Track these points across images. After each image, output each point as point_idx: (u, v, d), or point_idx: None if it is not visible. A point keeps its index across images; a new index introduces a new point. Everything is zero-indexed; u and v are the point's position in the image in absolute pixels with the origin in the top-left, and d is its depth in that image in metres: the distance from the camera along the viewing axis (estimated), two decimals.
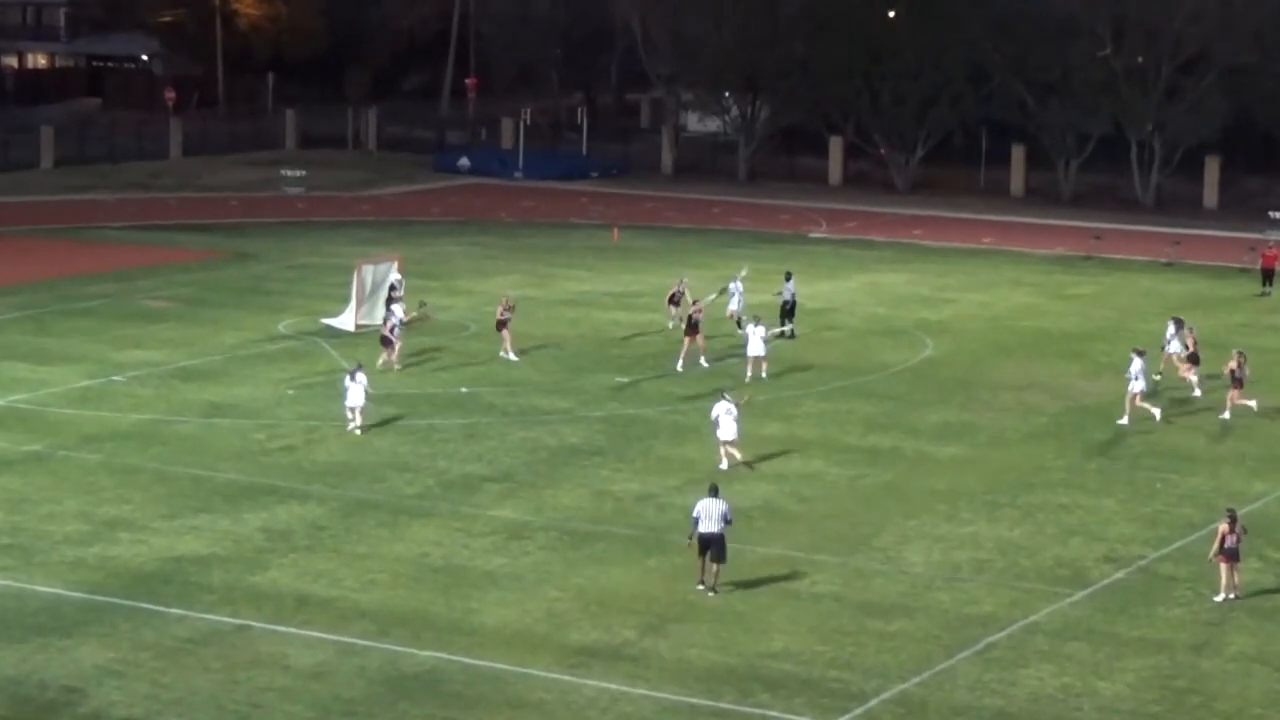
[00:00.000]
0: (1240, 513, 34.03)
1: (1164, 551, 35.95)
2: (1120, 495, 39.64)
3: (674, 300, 54.96)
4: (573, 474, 40.31)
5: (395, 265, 56.58)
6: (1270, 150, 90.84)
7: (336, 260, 65.11)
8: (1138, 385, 45.07)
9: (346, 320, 54.58)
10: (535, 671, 29.23)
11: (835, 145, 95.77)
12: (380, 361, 48.78)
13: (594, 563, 34.49)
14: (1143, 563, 35.30)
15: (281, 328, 54.99)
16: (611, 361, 51.49)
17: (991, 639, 31.11)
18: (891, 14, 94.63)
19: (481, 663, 29.54)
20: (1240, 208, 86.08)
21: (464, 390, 47.47)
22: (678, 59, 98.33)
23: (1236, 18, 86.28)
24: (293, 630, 30.67)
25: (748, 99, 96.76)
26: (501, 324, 51.34)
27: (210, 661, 29.34)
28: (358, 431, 42.77)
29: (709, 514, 32.46)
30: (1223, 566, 33.08)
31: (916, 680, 29.33)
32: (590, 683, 28.88)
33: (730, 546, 32.77)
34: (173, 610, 31.46)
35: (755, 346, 48.73)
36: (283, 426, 43.57)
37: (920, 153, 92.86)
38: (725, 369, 49.83)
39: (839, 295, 62.99)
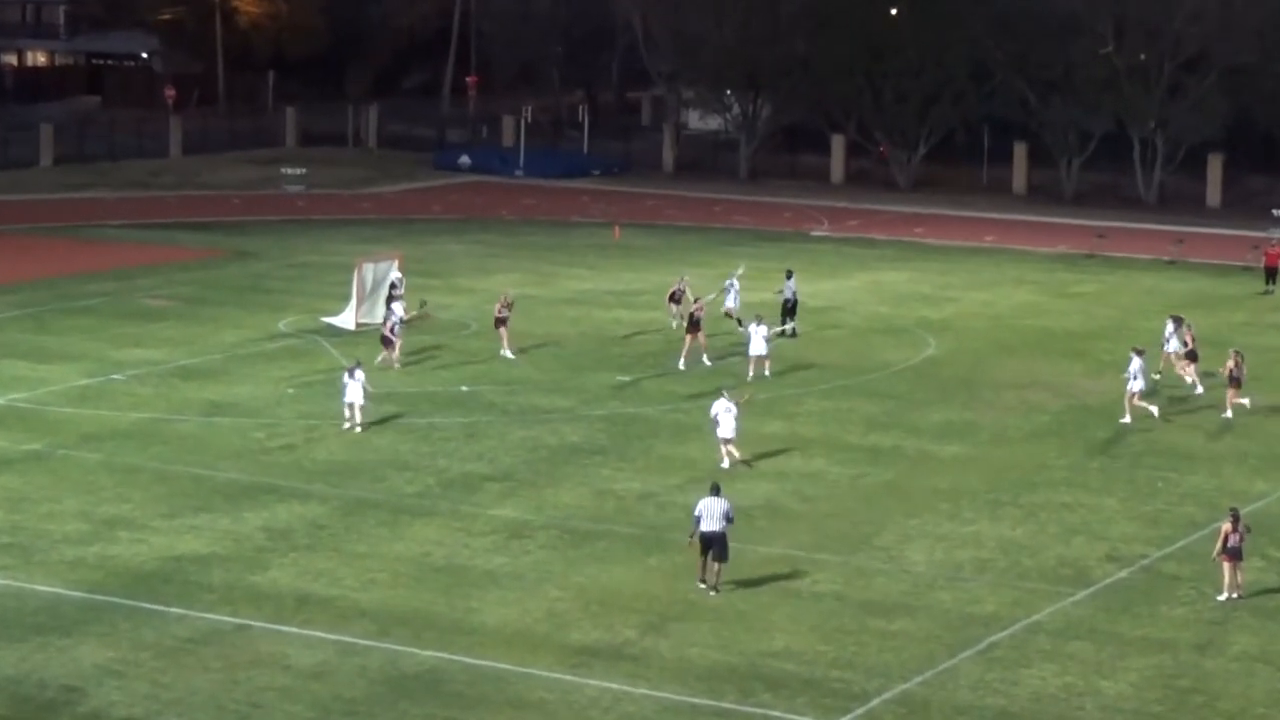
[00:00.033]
0: (1243, 511, 33.98)
1: (1167, 551, 35.86)
2: (1122, 494, 39.56)
3: (674, 298, 54.89)
4: (574, 473, 40.22)
5: (396, 263, 56.48)
6: (1273, 149, 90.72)
7: (337, 258, 65.01)
8: (1136, 384, 45.01)
9: (347, 319, 54.49)
10: (536, 671, 29.15)
11: (837, 143, 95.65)
12: (379, 359, 48.69)
13: (595, 562, 34.41)
14: (1145, 562, 35.21)
15: (282, 326, 54.91)
16: (613, 360, 51.41)
17: (994, 638, 31.03)
18: (893, 11, 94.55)
19: (482, 662, 29.46)
20: (1243, 206, 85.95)
21: (465, 389, 47.39)
22: (679, 56, 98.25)
23: (1237, 17, 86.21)
24: (293, 630, 30.59)
25: (749, 97, 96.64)
26: (500, 321, 51.28)
27: (210, 661, 29.26)
28: (357, 429, 42.70)
29: (711, 513, 32.40)
30: (1225, 566, 32.99)
31: (918, 680, 29.25)
32: (591, 682, 28.80)
33: (732, 545, 32.71)
34: (173, 610, 31.38)
35: (757, 346, 48.64)
36: (283, 425, 43.49)
37: (922, 151, 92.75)
38: (727, 367, 49.74)
39: (841, 294, 62.90)
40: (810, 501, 38.57)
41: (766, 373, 48.76)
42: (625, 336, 54.63)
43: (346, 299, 55.40)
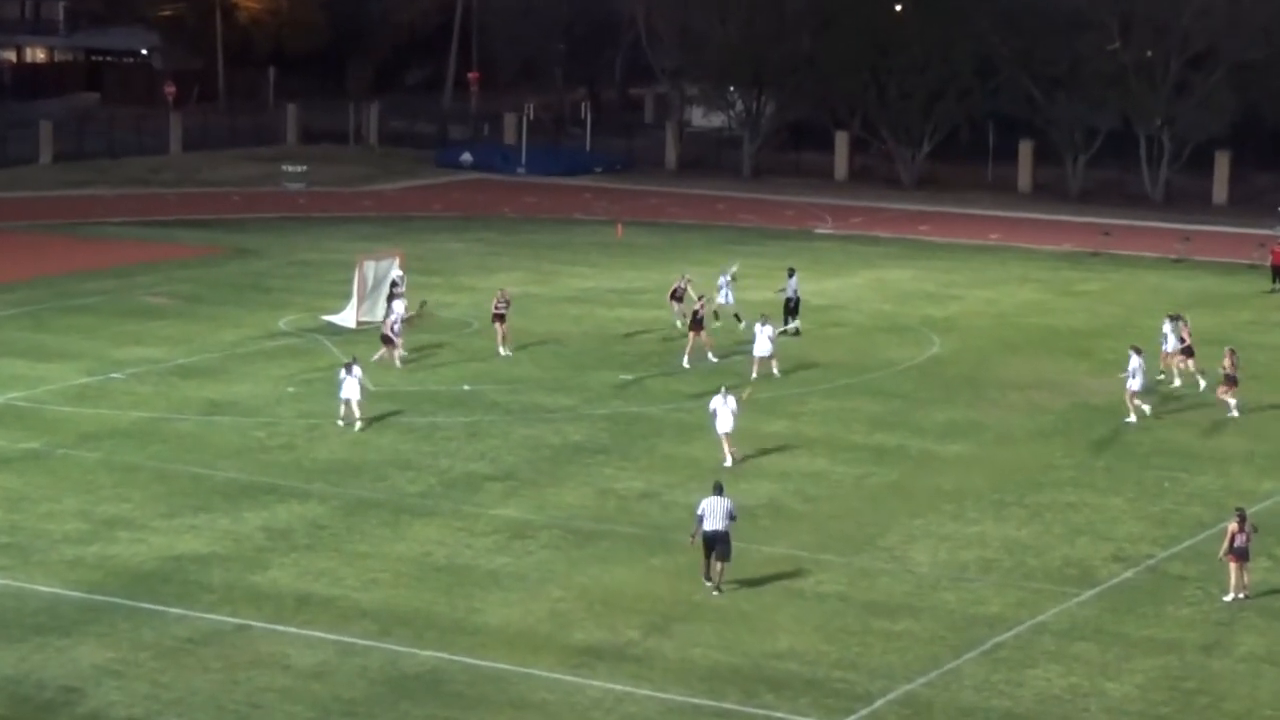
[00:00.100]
0: (1249, 511, 33.90)
1: (1173, 551, 35.69)
2: (1128, 494, 39.38)
3: (676, 296, 54.71)
4: (576, 472, 40.05)
5: (397, 261, 56.35)
6: None
7: (337, 256, 64.86)
8: (1135, 383, 44.85)
9: (348, 317, 54.36)
10: (538, 672, 29.02)
11: (841, 140, 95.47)
12: (376, 356, 48.50)
13: (597, 562, 34.24)
14: (1151, 562, 35.04)
15: (282, 324, 54.75)
16: (615, 359, 51.24)
17: (998, 639, 30.89)
18: (898, 7, 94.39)
19: (484, 663, 29.33)
20: (1250, 204, 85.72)
21: (466, 388, 47.22)
22: (683, 53, 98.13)
23: (1245, 13, 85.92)
24: (293, 630, 30.46)
25: (753, 94, 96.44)
26: (498, 317, 51.16)
27: (210, 661, 29.14)
28: (356, 425, 42.53)
29: (713, 512, 32.28)
30: (1232, 566, 32.84)
31: (923, 681, 29.11)
32: (594, 683, 28.67)
33: (735, 545, 32.60)
34: (172, 610, 31.24)
35: (762, 345, 48.44)
36: (283, 424, 43.32)
37: (927, 148, 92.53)
38: (731, 366, 49.55)
39: (844, 292, 62.72)
40: (814, 501, 38.40)
41: (775, 372, 48.55)
42: (628, 335, 54.46)
43: (347, 297, 55.27)
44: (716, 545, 32.36)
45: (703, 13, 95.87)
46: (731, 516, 32.43)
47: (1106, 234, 75.39)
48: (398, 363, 48.95)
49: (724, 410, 40.20)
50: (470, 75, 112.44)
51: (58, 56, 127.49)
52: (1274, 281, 64.66)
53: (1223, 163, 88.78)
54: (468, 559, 34.29)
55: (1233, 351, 46.21)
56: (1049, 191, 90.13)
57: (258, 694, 27.96)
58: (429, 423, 43.75)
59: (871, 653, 30.17)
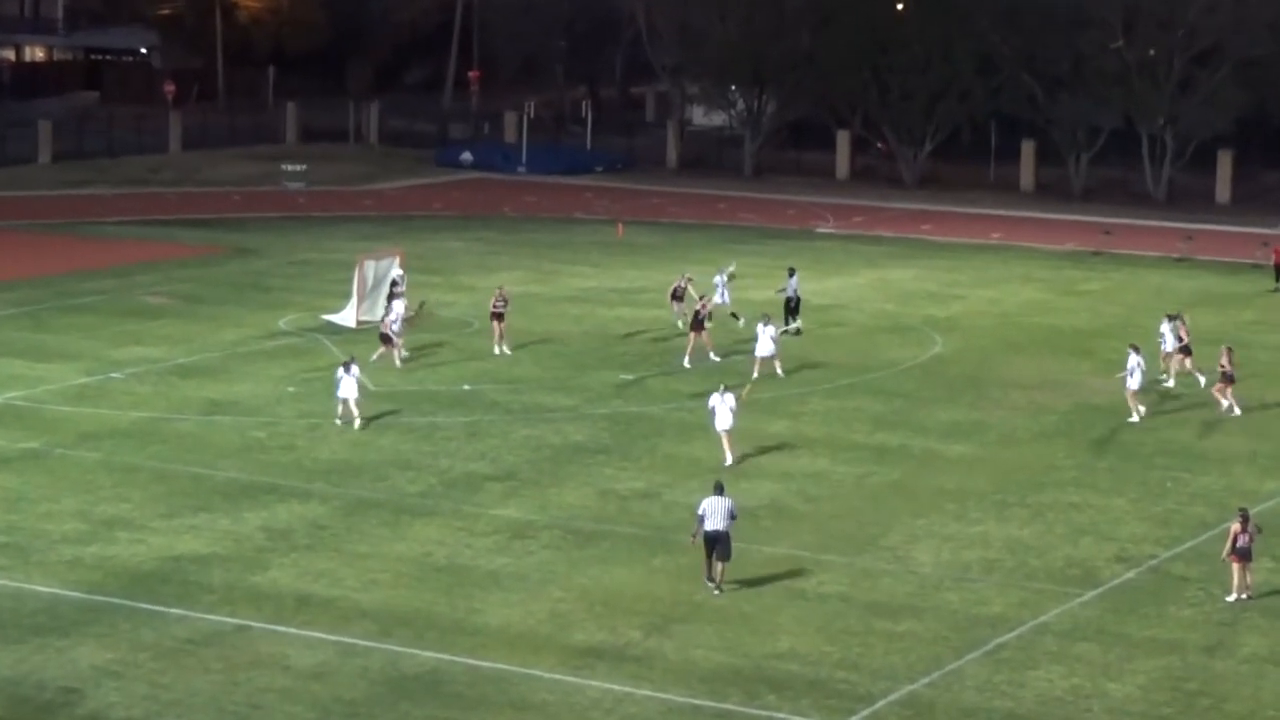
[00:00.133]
0: (1253, 512, 33.84)
1: (1175, 551, 35.61)
2: (1131, 494, 39.29)
3: (676, 296, 54.60)
4: (577, 472, 39.96)
5: (397, 261, 56.26)
6: None
7: (337, 256, 64.78)
8: (1134, 381, 44.78)
9: (348, 316, 54.27)
10: (539, 672, 28.95)
11: (842, 139, 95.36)
12: (376, 356, 48.42)
13: (598, 562, 34.16)
14: (1154, 562, 34.96)
15: (282, 324, 54.66)
16: (616, 358, 51.15)
17: (1001, 640, 30.81)
18: (899, 6, 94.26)
19: (484, 663, 29.27)
20: (1253, 203, 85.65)
21: (466, 387, 47.13)
22: (683, 52, 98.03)
23: (1251, 10, 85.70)
24: (293, 630, 30.38)
25: (754, 92, 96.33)
26: (496, 316, 51.09)
27: (210, 662, 29.07)
28: (355, 424, 42.44)
29: (714, 511, 32.23)
30: (1235, 566, 32.76)
31: (925, 681, 29.04)
32: (594, 684, 28.60)
33: (736, 545, 32.55)
34: (172, 610, 31.17)
35: (764, 346, 48.32)
36: (283, 424, 43.24)
37: (928, 147, 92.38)
38: (732, 365, 49.45)
39: (846, 291, 62.62)
40: (815, 501, 38.31)
41: (779, 372, 48.44)
42: (629, 335, 54.37)
43: (347, 296, 55.18)
44: (717, 545, 32.30)
45: (702, 9, 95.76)
46: (732, 516, 32.38)
47: (1109, 233, 75.29)
48: (398, 362, 48.88)
49: (722, 408, 40.15)
50: (470, 74, 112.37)
51: (57, 55, 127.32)
52: (1277, 281, 64.53)
53: (1226, 161, 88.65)
54: (468, 559, 34.20)
55: (1229, 349, 46.14)
56: (1051, 191, 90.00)
57: (258, 695, 27.89)
58: (429, 423, 43.66)
59: (873, 653, 30.09)
